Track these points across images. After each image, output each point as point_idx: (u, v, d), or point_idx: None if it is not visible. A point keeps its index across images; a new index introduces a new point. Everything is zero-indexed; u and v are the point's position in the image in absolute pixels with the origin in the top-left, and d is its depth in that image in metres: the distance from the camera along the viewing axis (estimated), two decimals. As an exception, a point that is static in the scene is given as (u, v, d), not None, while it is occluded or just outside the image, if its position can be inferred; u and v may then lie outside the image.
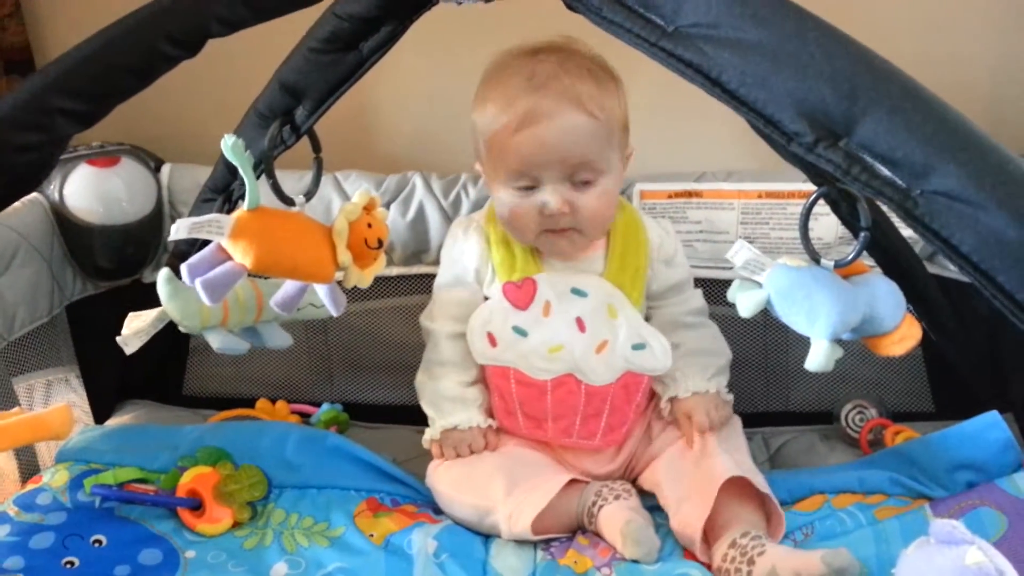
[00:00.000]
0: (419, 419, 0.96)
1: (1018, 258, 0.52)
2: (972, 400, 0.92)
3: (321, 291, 0.81)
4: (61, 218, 1.06)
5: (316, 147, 0.85)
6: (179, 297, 0.88)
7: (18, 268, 0.99)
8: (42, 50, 1.30)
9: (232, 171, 0.92)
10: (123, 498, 0.86)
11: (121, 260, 1.11)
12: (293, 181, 1.04)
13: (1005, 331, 0.95)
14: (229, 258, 0.74)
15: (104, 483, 0.87)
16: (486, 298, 0.94)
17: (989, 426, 0.85)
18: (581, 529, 0.87)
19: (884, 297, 0.77)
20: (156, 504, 0.86)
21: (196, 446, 0.92)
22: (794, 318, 0.75)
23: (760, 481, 0.83)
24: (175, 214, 1.13)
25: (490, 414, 0.93)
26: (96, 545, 0.81)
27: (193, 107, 1.25)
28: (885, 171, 0.55)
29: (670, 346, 0.92)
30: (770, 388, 1.14)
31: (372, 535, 0.84)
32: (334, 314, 0.83)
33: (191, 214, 1.01)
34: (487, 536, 0.87)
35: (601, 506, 0.85)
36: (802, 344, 0.76)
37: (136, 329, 0.88)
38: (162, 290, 0.88)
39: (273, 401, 1.12)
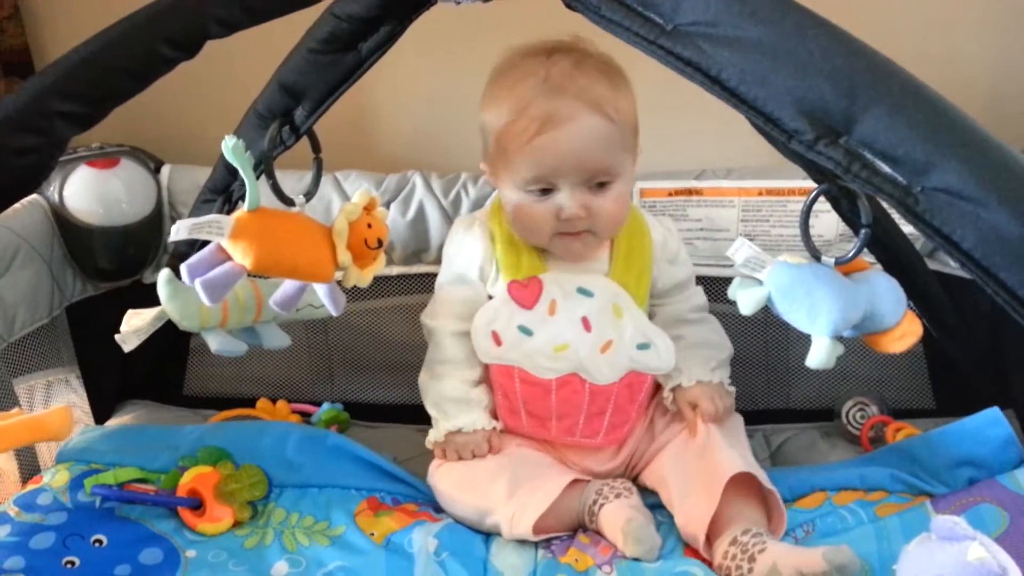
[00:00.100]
0: (420, 418, 0.96)
1: (1019, 255, 0.52)
2: (973, 397, 0.92)
3: (321, 291, 0.81)
4: (61, 219, 1.06)
5: (316, 147, 0.85)
6: (179, 298, 0.88)
7: (18, 269, 0.99)
8: (41, 52, 1.30)
9: (232, 172, 0.92)
10: (123, 498, 0.86)
11: (121, 261, 1.11)
12: (293, 181, 1.04)
13: (1006, 327, 0.95)
14: (229, 258, 0.74)
15: (104, 483, 0.87)
16: (490, 297, 0.94)
17: (990, 422, 0.85)
18: (582, 527, 0.87)
19: (885, 294, 0.77)
20: (157, 504, 0.86)
21: (197, 446, 0.92)
22: (795, 315, 0.75)
23: (764, 478, 0.83)
24: (175, 215, 1.13)
25: (494, 415, 0.93)
26: (97, 545, 0.81)
27: (192, 108, 1.25)
28: (886, 168, 0.55)
29: (672, 340, 0.92)
30: (771, 385, 1.14)
31: (373, 534, 0.84)
32: (334, 314, 0.83)
33: (191, 215, 1.01)
34: (488, 534, 0.87)
35: (602, 504, 0.85)
36: (803, 341, 0.76)
37: (135, 327, 0.88)
38: (162, 291, 0.88)
39: (274, 401, 1.12)
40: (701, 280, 1.02)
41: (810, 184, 0.76)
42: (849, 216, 0.78)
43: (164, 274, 0.88)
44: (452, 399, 0.92)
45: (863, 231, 0.74)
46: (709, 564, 0.79)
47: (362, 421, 1.16)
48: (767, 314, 0.76)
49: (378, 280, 1.01)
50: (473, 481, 0.88)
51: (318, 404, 1.13)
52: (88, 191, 1.07)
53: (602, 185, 0.86)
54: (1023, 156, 0.55)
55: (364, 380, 1.20)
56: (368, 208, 0.82)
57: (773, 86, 0.56)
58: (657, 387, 0.95)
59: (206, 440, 0.93)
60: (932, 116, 0.53)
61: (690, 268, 1.00)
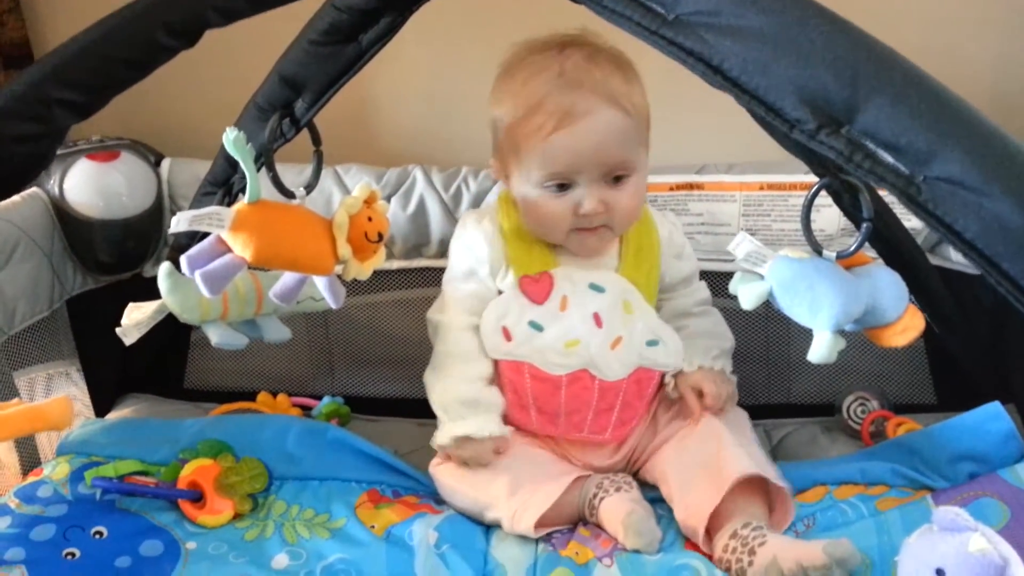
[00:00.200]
0: (420, 412, 0.96)
1: (1022, 244, 0.51)
2: (974, 391, 0.92)
3: (320, 284, 0.81)
4: (61, 212, 1.06)
5: (316, 140, 0.85)
6: (179, 290, 0.88)
7: (18, 262, 0.99)
8: (41, 45, 1.30)
9: (232, 164, 0.92)
10: (124, 490, 0.86)
11: (121, 254, 1.11)
12: (294, 175, 1.03)
13: (1007, 322, 0.95)
14: (229, 250, 0.74)
15: (105, 475, 0.87)
16: (499, 292, 0.92)
17: (991, 417, 0.85)
18: (582, 521, 0.87)
19: (886, 288, 0.77)
20: (157, 496, 0.87)
21: (197, 439, 0.92)
22: (796, 310, 0.75)
23: (774, 474, 0.83)
24: (175, 208, 1.13)
25: (503, 417, 0.91)
26: (97, 537, 0.81)
27: (192, 101, 1.25)
28: (888, 158, 0.54)
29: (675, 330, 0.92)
30: (772, 380, 1.14)
31: (373, 526, 0.84)
32: (334, 307, 0.83)
33: (191, 208, 1.01)
34: (488, 527, 0.87)
35: (602, 498, 0.85)
36: (804, 336, 0.75)
37: (136, 320, 0.88)
38: (162, 284, 0.88)
39: (274, 394, 1.12)
40: (702, 275, 1.02)
41: (812, 179, 0.76)
42: (851, 210, 0.78)
43: (164, 267, 0.88)
44: (462, 400, 0.89)
45: (865, 225, 0.74)
46: (709, 557, 0.79)
47: (363, 415, 1.16)
48: (768, 309, 0.76)
49: (378, 274, 1.01)
50: (475, 476, 0.88)
51: (319, 398, 1.13)
52: (88, 184, 1.07)
53: (618, 179, 0.85)
54: (1026, 146, 0.55)
55: (365, 374, 1.20)
56: (368, 201, 0.82)
57: (775, 75, 0.55)
58: (662, 383, 0.95)
59: (207, 433, 0.93)
60: (935, 105, 0.53)
61: (695, 262, 1.00)
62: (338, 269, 0.81)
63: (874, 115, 0.54)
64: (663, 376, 0.93)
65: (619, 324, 0.89)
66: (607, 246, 0.91)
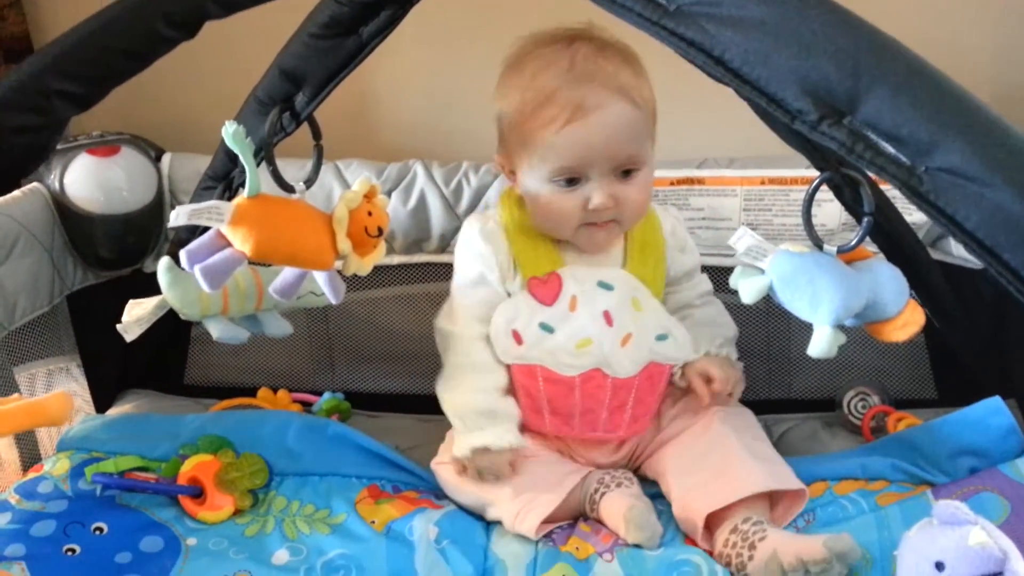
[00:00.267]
0: (421, 408, 0.96)
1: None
2: (975, 386, 0.91)
3: (320, 279, 0.81)
4: (62, 207, 1.06)
5: (316, 134, 0.85)
6: (179, 285, 0.88)
7: (19, 257, 0.99)
8: (42, 40, 1.30)
9: (232, 159, 0.92)
10: (124, 486, 0.86)
11: (122, 249, 1.10)
12: (294, 170, 1.03)
13: (1008, 317, 0.95)
14: (229, 245, 0.74)
15: (105, 471, 0.87)
16: (508, 295, 0.91)
17: (992, 412, 0.85)
18: (583, 516, 0.87)
19: (887, 283, 0.77)
20: (157, 492, 0.86)
21: (197, 435, 0.92)
22: (797, 304, 0.75)
23: (789, 479, 0.82)
24: (176, 203, 1.13)
25: (520, 427, 0.89)
26: (97, 532, 0.81)
27: (193, 96, 1.25)
28: (890, 148, 0.54)
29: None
30: (772, 375, 1.14)
31: (373, 522, 0.84)
32: (333, 302, 0.83)
33: (192, 202, 1.01)
34: (489, 522, 0.87)
35: (603, 493, 0.85)
36: (804, 331, 0.75)
37: (136, 316, 0.88)
38: (162, 278, 0.88)
39: (275, 390, 1.12)
40: (703, 269, 1.02)
41: (813, 173, 0.75)
42: (852, 204, 0.78)
43: (164, 262, 0.88)
44: (479, 411, 0.87)
45: (866, 219, 0.74)
46: (710, 552, 0.79)
47: (363, 411, 1.15)
48: (769, 303, 0.76)
49: (379, 269, 1.01)
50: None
51: (319, 394, 1.13)
52: (89, 179, 1.07)
53: (627, 173, 0.85)
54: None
55: (365, 369, 1.20)
56: (369, 196, 0.82)
57: (776, 66, 0.55)
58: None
59: (207, 429, 0.93)
60: (936, 96, 0.53)
61: (697, 256, 0.99)
62: (338, 264, 0.81)
63: (876, 105, 0.54)
64: (671, 370, 0.93)
65: (629, 321, 0.89)
66: (614, 241, 0.91)
